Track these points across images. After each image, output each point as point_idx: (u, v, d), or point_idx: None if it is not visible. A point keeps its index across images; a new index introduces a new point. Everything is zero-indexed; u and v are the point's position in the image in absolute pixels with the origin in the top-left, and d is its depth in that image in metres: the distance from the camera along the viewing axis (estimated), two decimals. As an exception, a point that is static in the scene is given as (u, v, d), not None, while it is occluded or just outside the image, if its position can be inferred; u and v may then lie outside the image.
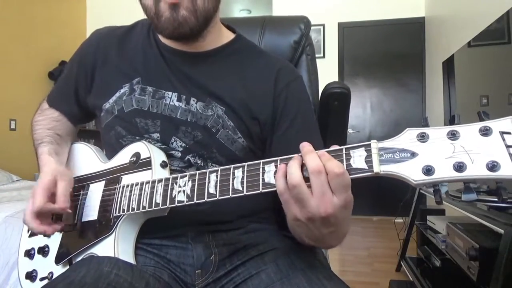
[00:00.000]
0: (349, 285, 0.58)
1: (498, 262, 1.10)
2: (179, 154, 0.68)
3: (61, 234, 0.71)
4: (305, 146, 0.47)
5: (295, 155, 0.48)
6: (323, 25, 4.12)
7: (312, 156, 0.45)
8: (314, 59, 1.03)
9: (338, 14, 4.13)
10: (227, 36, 0.76)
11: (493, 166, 0.38)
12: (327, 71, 3.95)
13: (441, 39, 3.39)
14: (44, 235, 0.73)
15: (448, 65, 2.42)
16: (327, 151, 0.46)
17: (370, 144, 0.44)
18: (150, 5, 0.64)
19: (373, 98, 4.12)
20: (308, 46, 1.01)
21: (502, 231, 1.12)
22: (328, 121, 0.95)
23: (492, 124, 0.40)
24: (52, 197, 0.65)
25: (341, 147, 0.46)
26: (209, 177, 0.54)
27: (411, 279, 1.96)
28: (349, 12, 4.11)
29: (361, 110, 4.12)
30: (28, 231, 0.78)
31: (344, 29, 4.15)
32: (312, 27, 1.01)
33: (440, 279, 1.76)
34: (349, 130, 4.06)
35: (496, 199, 1.27)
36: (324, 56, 4.12)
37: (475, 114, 0.42)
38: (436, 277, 1.79)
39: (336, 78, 4.03)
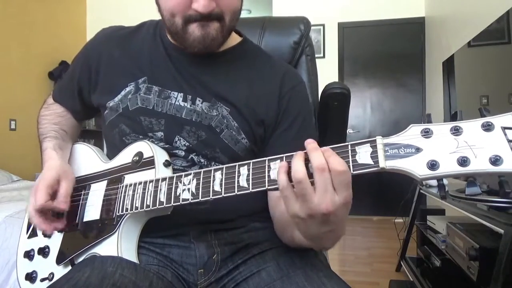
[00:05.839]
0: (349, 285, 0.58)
1: (498, 262, 1.10)
2: (183, 153, 0.69)
3: (62, 234, 0.71)
4: (310, 143, 0.47)
5: (299, 151, 0.47)
6: (323, 25, 4.12)
7: (317, 153, 0.45)
8: (314, 60, 1.03)
9: (338, 14, 4.13)
10: (235, 38, 0.77)
11: (495, 160, 0.39)
12: (327, 71, 3.94)
13: (441, 39, 3.39)
14: (44, 236, 0.73)
15: (448, 65, 2.42)
16: (332, 148, 0.46)
17: (375, 140, 0.45)
18: (178, 23, 0.64)
19: (373, 98, 4.12)
20: (308, 46, 1.01)
21: (502, 231, 1.12)
22: (328, 121, 0.95)
23: (494, 119, 0.41)
24: (54, 194, 0.66)
25: (347, 143, 0.46)
26: (214, 175, 0.54)
27: (411, 279, 1.96)
28: (349, 12, 4.11)
29: (361, 110, 4.12)
30: (26, 232, 0.78)
31: (344, 29, 4.15)
32: (312, 27, 1.02)
33: (440, 279, 1.76)
34: (349, 130, 4.06)
35: (496, 199, 1.28)
36: (324, 56, 4.13)
37: (476, 114, 0.43)
38: (436, 277, 1.79)
39: (336, 78, 4.03)
